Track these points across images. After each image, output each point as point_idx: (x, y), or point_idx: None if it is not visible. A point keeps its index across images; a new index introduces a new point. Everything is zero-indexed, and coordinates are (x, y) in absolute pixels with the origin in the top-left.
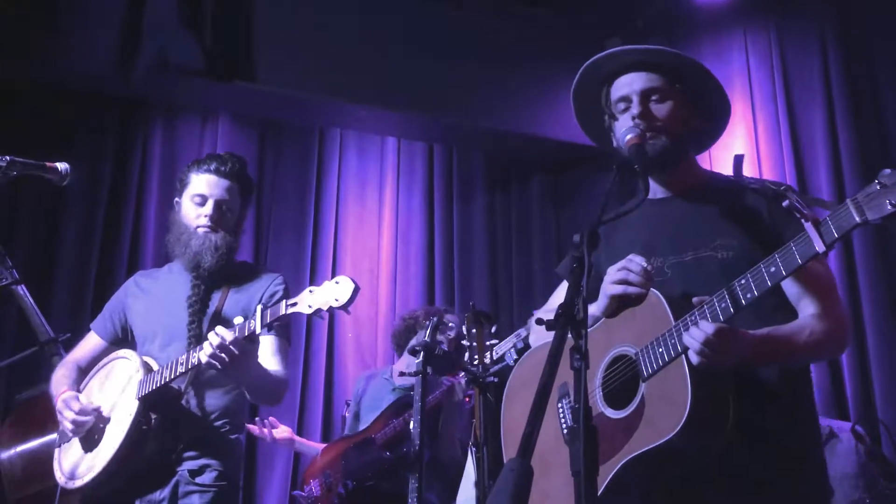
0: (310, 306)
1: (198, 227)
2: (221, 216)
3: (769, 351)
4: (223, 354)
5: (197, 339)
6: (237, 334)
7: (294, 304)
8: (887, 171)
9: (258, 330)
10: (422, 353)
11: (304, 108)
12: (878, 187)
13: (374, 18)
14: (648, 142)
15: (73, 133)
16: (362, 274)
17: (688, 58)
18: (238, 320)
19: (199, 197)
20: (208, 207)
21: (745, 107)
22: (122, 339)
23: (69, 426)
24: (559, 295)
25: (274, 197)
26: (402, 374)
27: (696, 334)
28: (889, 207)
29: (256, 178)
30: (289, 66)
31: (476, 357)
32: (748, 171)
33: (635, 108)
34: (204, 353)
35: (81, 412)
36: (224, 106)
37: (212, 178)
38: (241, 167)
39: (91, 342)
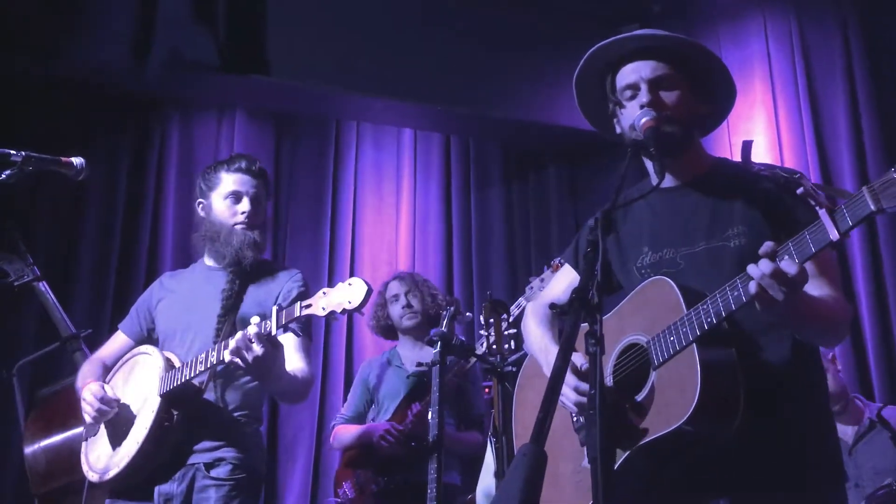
0: (323, 308)
1: (235, 224)
2: (256, 213)
3: (813, 308)
4: (246, 354)
5: (224, 333)
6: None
7: (308, 307)
8: None
9: (273, 331)
10: (439, 343)
11: (320, 100)
12: (894, 175)
13: (388, 9)
14: (664, 127)
15: (91, 130)
16: (380, 266)
17: (693, 42)
18: (255, 320)
19: (233, 195)
20: (245, 204)
21: (766, 92)
22: (148, 339)
23: (92, 414)
24: (558, 282)
25: (291, 190)
26: (419, 364)
27: (788, 266)
28: None
29: (273, 173)
30: (304, 59)
31: (494, 346)
32: (769, 157)
33: (644, 97)
34: (228, 352)
35: (104, 401)
36: (240, 101)
37: (245, 176)
38: (262, 166)
39: (118, 341)
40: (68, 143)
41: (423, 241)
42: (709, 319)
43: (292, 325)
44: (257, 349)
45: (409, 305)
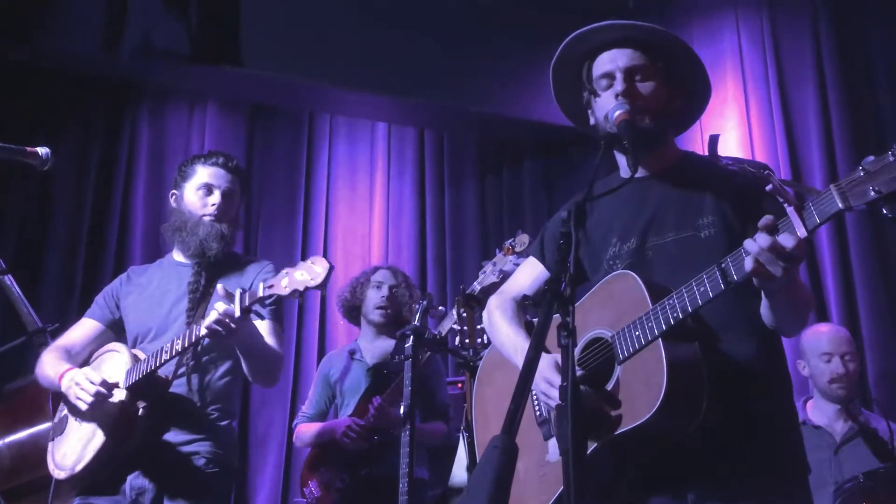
0: (285, 287)
1: (204, 215)
2: (227, 207)
3: (796, 287)
4: (219, 327)
5: (192, 316)
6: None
7: (271, 287)
8: (871, 157)
9: (237, 314)
10: (411, 336)
11: (293, 92)
12: (861, 174)
13: (363, 1)
14: (637, 120)
15: (60, 117)
16: (354, 260)
17: (671, 35)
18: (220, 305)
19: (205, 187)
20: (216, 197)
21: (737, 88)
22: (118, 321)
23: (86, 400)
24: (521, 274)
25: (263, 183)
26: (394, 357)
27: (786, 240)
28: (872, 194)
29: (245, 164)
30: (276, 50)
31: (467, 341)
32: (741, 153)
33: (619, 86)
34: (205, 324)
35: (104, 385)
36: (212, 90)
37: (219, 171)
38: (240, 165)
39: (84, 326)
40: (37, 131)
41: (397, 234)
42: (675, 315)
43: (263, 310)
44: (230, 327)
45: (390, 299)
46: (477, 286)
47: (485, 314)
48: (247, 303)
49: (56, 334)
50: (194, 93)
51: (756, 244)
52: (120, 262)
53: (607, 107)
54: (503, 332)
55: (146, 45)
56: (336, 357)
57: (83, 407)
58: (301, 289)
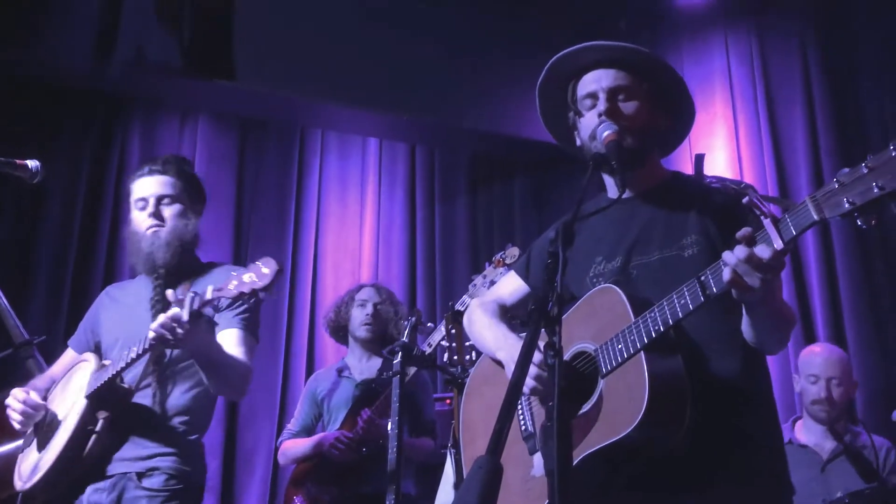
0: (232, 289)
1: (147, 228)
2: (165, 210)
3: (777, 303)
4: (165, 331)
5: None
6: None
7: (219, 290)
8: (846, 170)
9: (185, 317)
10: (400, 353)
11: (285, 108)
12: (836, 185)
13: (355, 18)
14: (625, 141)
15: (52, 130)
16: (343, 275)
17: (655, 56)
18: (174, 310)
19: (141, 201)
20: (150, 206)
21: (726, 107)
22: (98, 346)
23: (17, 419)
24: (504, 284)
25: (254, 197)
26: (382, 374)
27: (763, 251)
28: (846, 205)
29: (236, 178)
30: (269, 65)
31: (455, 357)
32: (729, 171)
33: (602, 105)
34: (152, 327)
35: (26, 403)
36: (204, 104)
37: (147, 179)
38: (177, 162)
39: (67, 357)
40: (27, 142)
41: (387, 250)
42: (656, 327)
43: (231, 319)
44: (177, 332)
45: (374, 316)
46: (467, 299)
47: (465, 316)
48: (196, 306)
49: (43, 347)
50: (186, 106)
51: (734, 255)
52: (109, 274)
53: (591, 126)
54: (484, 324)
55: (139, 58)
56: (324, 375)
57: (17, 427)
58: (247, 290)
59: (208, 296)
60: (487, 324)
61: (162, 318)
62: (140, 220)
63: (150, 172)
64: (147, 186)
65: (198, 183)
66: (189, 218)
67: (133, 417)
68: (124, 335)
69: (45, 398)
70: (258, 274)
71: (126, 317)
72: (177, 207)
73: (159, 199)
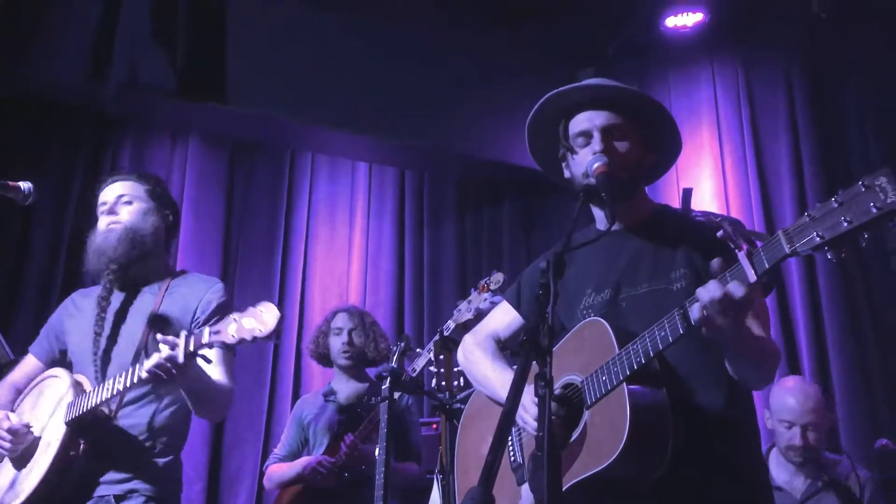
0: (233, 336)
1: (104, 227)
2: (123, 208)
3: (749, 339)
4: (160, 371)
5: (100, 336)
6: (167, 355)
7: (217, 333)
8: (818, 204)
9: (181, 359)
10: (388, 378)
11: (275, 131)
12: (807, 219)
13: (346, 43)
14: (615, 173)
15: (43, 148)
16: (331, 299)
17: (645, 95)
18: (164, 348)
19: (104, 205)
20: (108, 206)
21: (713, 137)
22: (60, 360)
23: (4, 446)
24: (496, 316)
25: (243, 219)
26: (371, 400)
27: (736, 288)
28: (817, 239)
29: (226, 200)
30: (260, 89)
31: (444, 383)
32: (715, 203)
33: (597, 145)
34: (146, 367)
35: (11, 431)
36: (195, 126)
37: (110, 186)
38: (142, 172)
39: (28, 364)
40: (17, 160)
41: (375, 275)
42: (637, 359)
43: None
44: (172, 373)
45: (350, 343)
46: (452, 324)
47: (460, 352)
48: (191, 348)
49: None
50: (177, 127)
51: (707, 293)
52: None
53: (585, 163)
54: (485, 366)
55: (131, 79)
56: (310, 399)
57: (4, 454)
58: (249, 338)
59: (205, 339)
60: (490, 367)
61: (157, 357)
62: (101, 223)
63: (114, 181)
64: (110, 191)
65: (164, 190)
66: (151, 217)
67: (112, 439)
68: (90, 348)
69: (12, 410)
70: (260, 321)
71: (91, 324)
72: (136, 206)
73: (118, 199)
